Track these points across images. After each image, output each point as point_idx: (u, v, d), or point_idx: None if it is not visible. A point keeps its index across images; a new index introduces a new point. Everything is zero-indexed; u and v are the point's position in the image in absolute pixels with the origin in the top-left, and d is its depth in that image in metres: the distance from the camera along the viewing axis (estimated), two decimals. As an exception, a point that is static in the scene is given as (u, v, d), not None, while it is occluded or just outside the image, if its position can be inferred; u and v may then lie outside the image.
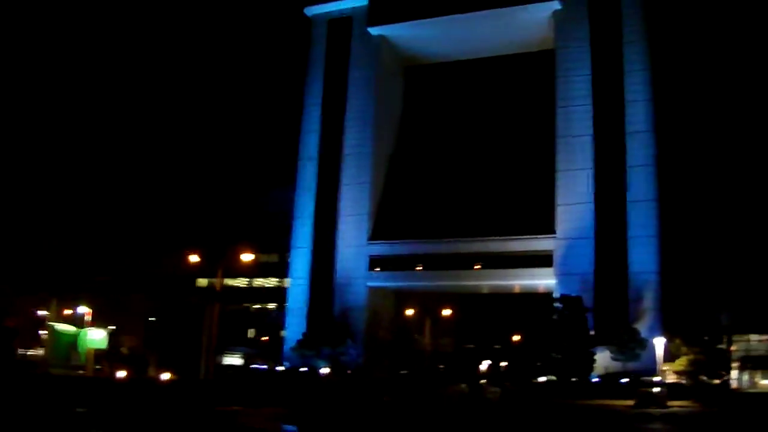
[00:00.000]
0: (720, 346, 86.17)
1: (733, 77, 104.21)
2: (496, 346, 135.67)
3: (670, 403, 65.01)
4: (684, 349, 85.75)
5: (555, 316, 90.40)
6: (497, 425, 48.22)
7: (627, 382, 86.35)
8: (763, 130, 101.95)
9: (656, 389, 66.56)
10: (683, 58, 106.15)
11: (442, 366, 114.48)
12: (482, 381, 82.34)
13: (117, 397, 54.70)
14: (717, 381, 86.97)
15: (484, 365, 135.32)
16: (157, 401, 53.62)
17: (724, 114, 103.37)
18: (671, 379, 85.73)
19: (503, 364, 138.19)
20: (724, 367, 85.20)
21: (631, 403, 65.93)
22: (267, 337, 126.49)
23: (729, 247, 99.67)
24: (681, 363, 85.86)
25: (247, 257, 76.29)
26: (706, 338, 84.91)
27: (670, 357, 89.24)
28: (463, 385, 53.92)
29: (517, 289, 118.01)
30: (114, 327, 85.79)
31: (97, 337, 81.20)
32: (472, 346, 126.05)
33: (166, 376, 76.36)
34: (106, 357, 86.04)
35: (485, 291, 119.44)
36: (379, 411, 50.55)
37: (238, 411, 49.34)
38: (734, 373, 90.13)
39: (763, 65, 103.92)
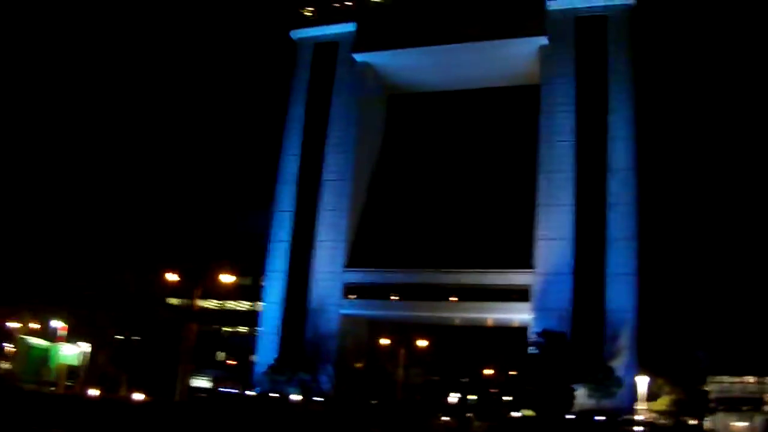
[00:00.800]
0: (701, 387, 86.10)
1: (715, 120, 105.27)
2: (463, 379, 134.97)
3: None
4: (666, 388, 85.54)
5: (536, 350, 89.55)
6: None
7: (602, 420, 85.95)
8: (742, 172, 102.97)
9: (638, 428, 65.90)
10: (667, 97, 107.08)
11: (418, 397, 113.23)
12: (469, 414, 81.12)
13: (91, 417, 52.85)
14: (693, 422, 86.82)
15: (453, 398, 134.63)
16: (132, 424, 51.78)
17: (705, 155, 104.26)
18: (647, 418, 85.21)
19: (471, 397, 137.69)
20: (704, 408, 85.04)
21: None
22: (235, 361, 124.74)
23: (705, 288, 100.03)
24: (663, 402, 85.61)
25: (226, 278, 74.82)
26: (687, 379, 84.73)
27: (649, 396, 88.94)
28: (450, 419, 52.62)
29: (490, 323, 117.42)
30: (86, 343, 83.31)
31: (70, 353, 78.97)
32: (437, 378, 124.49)
33: (139, 396, 74.49)
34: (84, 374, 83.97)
35: (457, 323, 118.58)
36: None
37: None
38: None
39: (744, 110, 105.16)
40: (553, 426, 79.07)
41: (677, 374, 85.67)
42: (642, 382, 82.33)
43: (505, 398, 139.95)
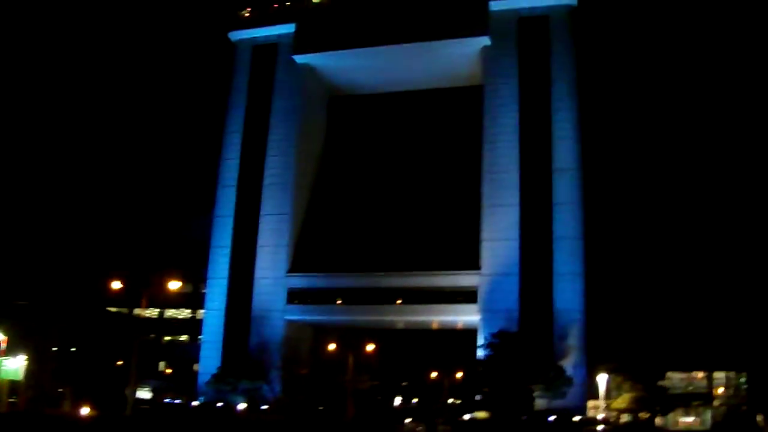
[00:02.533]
0: (660, 383, 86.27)
1: (659, 118, 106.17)
2: (403, 383, 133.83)
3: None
4: (626, 385, 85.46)
5: (489, 352, 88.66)
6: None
7: (566, 420, 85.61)
8: (687, 170, 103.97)
9: (600, 427, 65.37)
10: (610, 97, 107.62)
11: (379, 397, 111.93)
12: (438, 419, 79.72)
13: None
14: (643, 417, 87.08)
15: (397, 401, 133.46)
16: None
17: (650, 153, 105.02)
18: (607, 416, 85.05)
19: (414, 400, 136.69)
20: (665, 403, 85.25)
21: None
22: (170, 370, 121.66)
23: (651, 285, 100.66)
24: (623, 400, 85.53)
25: (173, 285, 72.17)
26: (645, 375, 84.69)
27: (597, 395, 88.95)
28: (420, 426, 50.94)
29: (435, 325, 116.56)
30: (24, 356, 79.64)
31: (12, 366, 74.96)
32: (377, 383, 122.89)
33: (85, 410, 71.44)
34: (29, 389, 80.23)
35: (401, 326, 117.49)
36: None
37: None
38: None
39: (687, 107, 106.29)
40: (515, 428, 78.25)
41: (635, 371, 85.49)
42: (602, 380, 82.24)
43: (450, 401, 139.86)
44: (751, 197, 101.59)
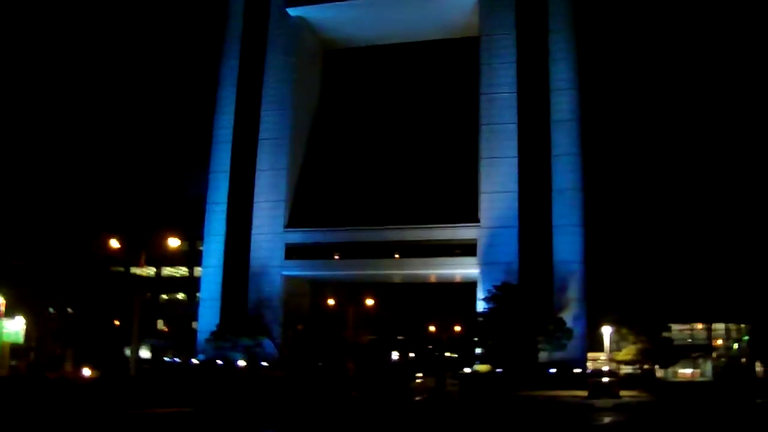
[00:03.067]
0: (665, 335, 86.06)
1: (658, 66, 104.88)
2: (400, 337, 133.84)
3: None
4: (631, 338, 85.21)
5: (492, 305, 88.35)
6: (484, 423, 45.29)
7: (555, 372, 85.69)
8: (686, 120, 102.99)
9: (605, 379, 65.22)
10: (609, 47, 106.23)
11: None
12: (447, 373, 79.23)
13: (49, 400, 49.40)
14: (640, 371, 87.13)
15: (394, 356, 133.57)
16: (81, 403, 48.12)
17: (649, 104, 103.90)
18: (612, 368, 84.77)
19: (411, 354, 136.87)
20: (670, 355, 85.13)
21: (583, 393, 64.52)
22: (167, 328, 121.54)
23: (650, 237, 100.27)
24: (628, 352, 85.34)
25: (173, 243, 71.24)
26: (649, 327, 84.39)
27: (600, 347, 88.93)
28: (429, 379, 50.81)
29: (433, 279, 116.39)
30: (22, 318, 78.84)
31: (13, 329, 74.25)
32: (374, 337, 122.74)
33: (86, 372, 71.04)
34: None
35: (397, 280, 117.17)
36: (353, 409, 46.18)
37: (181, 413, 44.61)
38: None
39: (687, 57, 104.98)
40: (522, 380, 78.06)
41: (639, 323, 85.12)
42: (605, 332, 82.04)
43: (447, 354, 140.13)
44: (758, 145, 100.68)
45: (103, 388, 58.70)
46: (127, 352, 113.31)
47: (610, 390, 62.39)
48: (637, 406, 55.60)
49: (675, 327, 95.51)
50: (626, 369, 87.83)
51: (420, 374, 68.70)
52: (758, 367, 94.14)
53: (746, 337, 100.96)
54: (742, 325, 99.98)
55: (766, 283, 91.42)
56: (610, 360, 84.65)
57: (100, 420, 40.50)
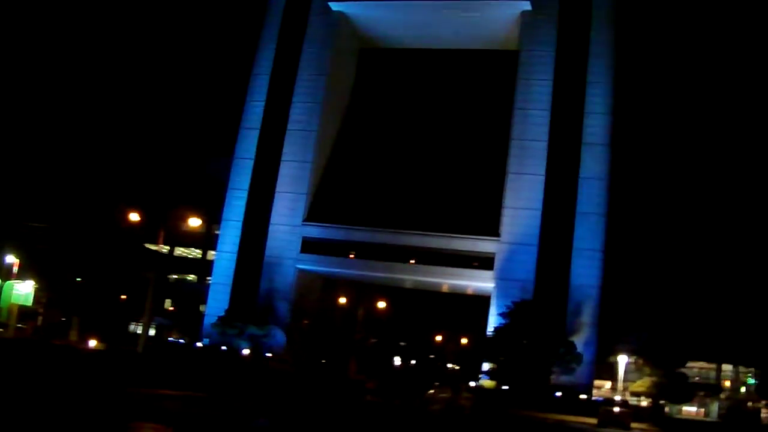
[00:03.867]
0: (680, 370, 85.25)
1: (693, 102, 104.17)
2: (402, 343, 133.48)
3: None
4: (647, 370, 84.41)
5: (506, 321, 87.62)
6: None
7: (560, 396, 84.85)
8: (716, 156, 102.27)
9: (617, 409, 64.37)
10: (646, 76, 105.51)
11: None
12: (462, 385, 78.60)
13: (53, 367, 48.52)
14: (650, 404, 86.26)
15: (397, 361, 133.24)
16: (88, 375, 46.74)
17: (681, 137, 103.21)
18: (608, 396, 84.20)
19: (413, 362, 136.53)
20: (685, 392, 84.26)
21: (592, 421, 63.70)
22: (173, 308, 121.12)
23: (670, 270, 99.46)
24: (643, 384, 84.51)
25: (194, 222, 70.82)
26: (666, 361, 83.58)
27: (607, 375, 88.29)
28: (445, 390, 49.88)
29: (445, 288, 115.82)
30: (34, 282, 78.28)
31: (23, 291, 73.76)
32: (375, 340, 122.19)
33: (92, 343, 70.41)
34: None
35: (408, 286, 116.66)
36: (367, 413, 45.04)
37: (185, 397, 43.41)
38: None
39: (721, 92, 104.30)
40: (529, 400, 77.27)
41: (656, 356, 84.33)
42: (621, 361, 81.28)
43: (449, 366, 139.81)
44: None
45: (109, 362, 57.82)
46: (132, 327, 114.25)
47: (622, 421, 61.48)
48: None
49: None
50: (632, 401, 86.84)
51: (437, 383, 68.06)
52: (764, 412, 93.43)
53: (752, 381, 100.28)
54: (751, 369, 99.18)
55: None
56: (624, 390, 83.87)
57: (111, 396, 39.37)
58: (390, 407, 44.53)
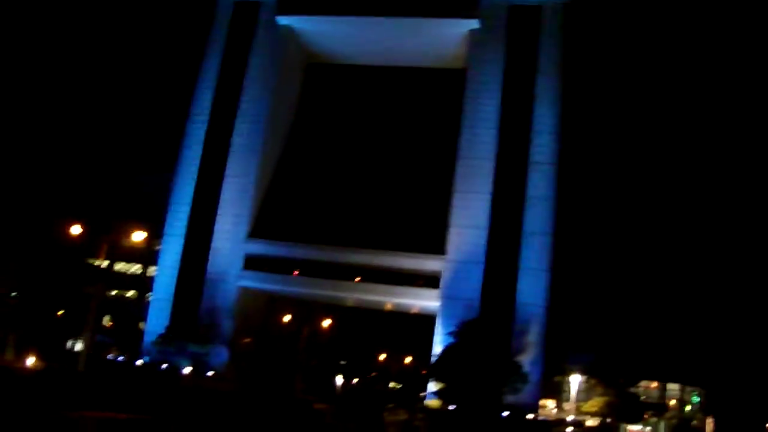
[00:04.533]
0: (632, 390, 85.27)
1: (638, 121, 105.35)
2: (342, 362, 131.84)
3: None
4: (599, 389, 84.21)
5: (454, 341, 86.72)
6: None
7: (507, 415, 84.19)
8: (662, 175, 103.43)
9: (569, 429, 63.76)
10: (593, 96, 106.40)
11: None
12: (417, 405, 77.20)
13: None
14: (593, 424, 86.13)
15: (339, 381, 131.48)
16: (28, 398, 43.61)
17: (625, 155, 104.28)
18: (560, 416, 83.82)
19: (355, 380, 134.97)
20: (637, 412, 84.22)
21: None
22: (111, 324, 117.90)
23: (613, 290, 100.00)
24: (595, 404, 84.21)
25: (138, 236, 68.80)
26: (617, 380, 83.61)
27: (551, 394, 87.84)
28: (401, 411, 48.29)
29: (389, 307, 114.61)
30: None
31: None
32: (314, 362, 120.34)
33: (30, 361, 67.43)
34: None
35: (350, 304, 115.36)
36: None
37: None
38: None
39: (668, 114, 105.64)
40: (483, 421, 76.39)
41: (609, 375, 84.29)
42: (574, 381, 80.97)
43: (392, 385, 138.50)
44: (727, 200, 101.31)
45: (49, 382, 55.09)
46: (69, 344, 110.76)
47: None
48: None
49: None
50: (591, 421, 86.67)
51: (391, 405, 66.70)
52: (708, 427, 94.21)
53: (696, 399, 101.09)
54: (696, 388, 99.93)
55: (723, 346, 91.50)
56: (577, 410, 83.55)
57: (50, 421, 36.40)
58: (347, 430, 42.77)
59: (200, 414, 47.75)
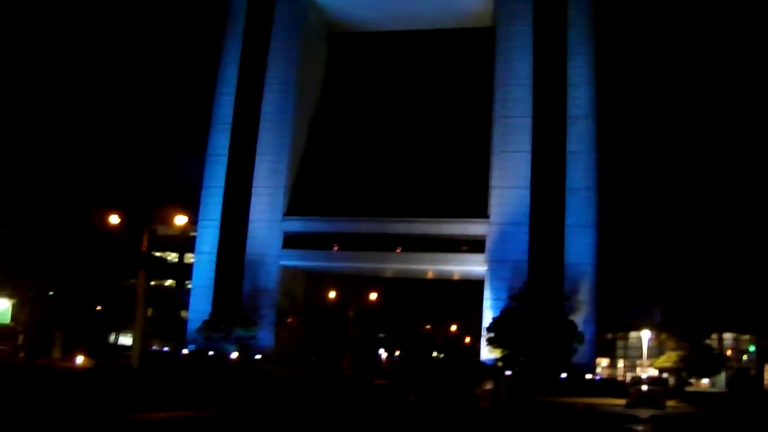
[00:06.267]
0: (707, 342, 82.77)
1: (675, 65, 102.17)
2: (381, 335, 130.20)
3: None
4: (671, 344, 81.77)
5: (515, 304, 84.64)
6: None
7: (566, 377, 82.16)
8: (703, 119, 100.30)
9: (645, 387, 61.39)
10: (627, 44, 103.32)
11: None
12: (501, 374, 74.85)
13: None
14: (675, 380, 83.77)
15: (383, 354, 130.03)
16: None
17: (666, 103, 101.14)
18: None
19: (397, 353, 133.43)
20: (716, 363, 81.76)
21: (619, 402, 60.81)
22: (151, 315, 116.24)
23: (664, 243, 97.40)
24: (669, 359, 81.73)
25: (180, 220, 66.15)
26: (692, 333, 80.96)
27: (605, 352, 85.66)
28: (488, 382, 46.29)
29: (430, 275, 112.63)
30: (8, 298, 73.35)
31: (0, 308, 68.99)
32: (358, 333, 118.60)
33: (79, 360, 65.50)
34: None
35: (397, 275, 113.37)
36: (415, 418, 40.73)
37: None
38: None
39: (704, 60, 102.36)
40: (548, 384, 74.43)
41: (681, 328, 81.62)
42: (645, 337, 78.60)
43: (435, 354, 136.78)
44: None
45: (105, 381, 52.83)
46: (112, 337, 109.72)
47: (656, 400, 58.44)
48: (692, 417, 52.10)
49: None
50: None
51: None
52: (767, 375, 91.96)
53: (752, 348, 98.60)
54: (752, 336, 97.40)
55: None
56: (651, 366, 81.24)
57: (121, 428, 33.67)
58: (439, 409, 40.63)
59: (268, 403, 45.69)
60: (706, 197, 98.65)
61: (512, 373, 78.86)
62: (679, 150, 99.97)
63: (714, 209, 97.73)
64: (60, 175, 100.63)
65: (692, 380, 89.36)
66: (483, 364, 67.06)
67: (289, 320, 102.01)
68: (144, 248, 65.61)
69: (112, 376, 56.15)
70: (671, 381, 79.40)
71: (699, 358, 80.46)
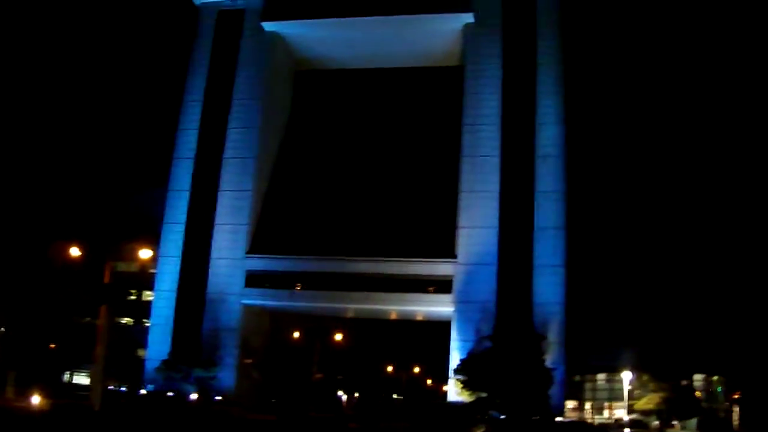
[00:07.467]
0: (684, 383, 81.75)
1: (645, 107, 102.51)
2: (339, 377, 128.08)
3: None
4: (652, 385, 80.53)
5: (486, 346, 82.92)
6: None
7: (537, 419, 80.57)
8: (671, 162, 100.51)
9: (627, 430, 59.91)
10: (597, 83, 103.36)
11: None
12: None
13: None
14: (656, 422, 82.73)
15: (343, 396, 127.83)
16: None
17: (635, 142, 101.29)
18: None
19: (356, 395, 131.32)
20: (693, 406, 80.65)
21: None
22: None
23: (632, 282, 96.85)
24: (651, 400, 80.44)
25: (145, 254, 64.14)
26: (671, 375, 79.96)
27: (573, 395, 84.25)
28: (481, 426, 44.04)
29: (393, 316, 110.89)
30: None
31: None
32: (320, 375, 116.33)
33: (35, 399, 61.98)
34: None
35: (352, 315, 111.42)
36: None
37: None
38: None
39: (674, 96, 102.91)
40: (524, 426, 72.64)
41: (661, 370, 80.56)
42: (626, 378, 77.28)
43: (395, 396, 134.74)
44: (739, 193, 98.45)
45: (65, 425, 49.84)
46: (66, 376, 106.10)
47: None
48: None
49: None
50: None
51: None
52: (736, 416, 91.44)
53: (720, 389, 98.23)
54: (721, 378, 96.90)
55: (742, 335, 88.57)
56: (631, 409, 79.83)
57: None
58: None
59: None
60: (673, 237, 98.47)
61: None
62: (649, 190, 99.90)
63: (680, 252, 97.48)
64: (18, 209, 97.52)
65: (675, 422, 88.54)
66: (474, 407, 65.46)
67: (250, 361, 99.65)
68: (107, 281, 63.36)
69: (74, 418, 53.20)
70: (653, 423, 78.19)
71: (680, 400, 79.39)
